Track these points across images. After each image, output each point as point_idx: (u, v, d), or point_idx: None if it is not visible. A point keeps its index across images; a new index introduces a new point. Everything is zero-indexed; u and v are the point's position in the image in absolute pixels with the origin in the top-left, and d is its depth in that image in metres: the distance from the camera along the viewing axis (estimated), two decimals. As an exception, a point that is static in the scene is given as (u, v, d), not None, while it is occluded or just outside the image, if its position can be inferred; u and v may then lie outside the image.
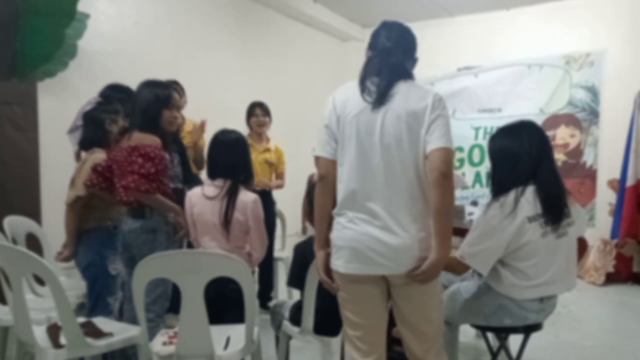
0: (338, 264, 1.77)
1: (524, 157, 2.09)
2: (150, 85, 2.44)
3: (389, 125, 1.69)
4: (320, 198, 1.83)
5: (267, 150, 3.98)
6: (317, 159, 1.83)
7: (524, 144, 2.11)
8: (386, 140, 1.69)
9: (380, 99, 1.70)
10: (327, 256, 1.83)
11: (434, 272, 1.69)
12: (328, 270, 1.84)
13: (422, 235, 1.71)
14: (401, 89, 1.72)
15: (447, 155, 1.67)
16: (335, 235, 1.78)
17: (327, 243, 1.83)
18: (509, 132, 2.19)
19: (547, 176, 2.09)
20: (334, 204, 1.81)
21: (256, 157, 3.88)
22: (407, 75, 1.77)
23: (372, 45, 1.84)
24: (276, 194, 4.14)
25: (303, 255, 2.31)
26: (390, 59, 1.76)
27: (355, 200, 1.73)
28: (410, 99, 1.70)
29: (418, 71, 1.88)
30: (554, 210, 2.06)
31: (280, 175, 4.08)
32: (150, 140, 2.35)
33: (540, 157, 2.10)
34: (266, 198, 3.95)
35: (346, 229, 1.74)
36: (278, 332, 2.54)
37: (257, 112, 3.95)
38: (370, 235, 1.70)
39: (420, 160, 1.70)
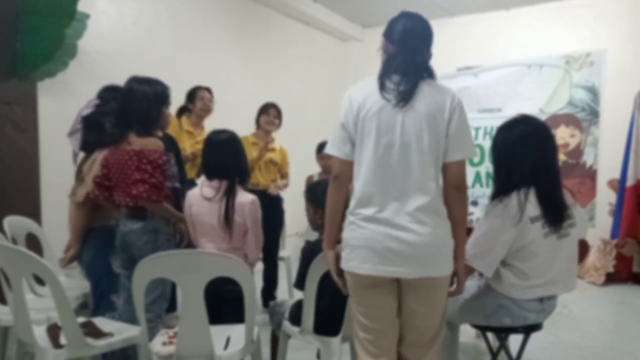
0: (352, 265, 1.72)
1: (521, 158, 2.07)
2: (145, 82, 2.37)
3: (410, 124, 1.66)
4: (333, 197, 1.80)
5: (272, 149, 3.99)
6: (330, 157, 1.81)
7: (520, 144, 2.09)
8: (406, 138, 1.66)
9: (404, 98, 1.67)
10: (338, 257, 1.80)
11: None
12: (339, 271, 1.81)
13: (441, 237, 1.69)
14: (422, 89, 1.69)
15: (461, 168, 1.71)
16: (350, 235, 1.73)
17: (337, 243, 1.81)
18: (506, 130, 2.18)
19: (546, 177, 2.08)
20: (346, 204, 1.79)
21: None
22: (430, 74, 1.75)
23: (389, 35, 1.77)
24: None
25: (311, 257, 2.28)
26: (416, 58, 1.72)
27: (371, 199, 1.69)
28: (430, 99, 1.68)
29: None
30: (554, 212, 2.06)
31: (284, 175, 4.13)
32: (153, 144, 2.31)
33: (538, 157, 2.07)
34: (273, 196, 3.96)
35: (362, 228, 1.70)
36: (277, 332, 2.54)
37: (270, 111, 3.97)
38: (386, 234, 1.66)
39: (440, 161, 1.70)
